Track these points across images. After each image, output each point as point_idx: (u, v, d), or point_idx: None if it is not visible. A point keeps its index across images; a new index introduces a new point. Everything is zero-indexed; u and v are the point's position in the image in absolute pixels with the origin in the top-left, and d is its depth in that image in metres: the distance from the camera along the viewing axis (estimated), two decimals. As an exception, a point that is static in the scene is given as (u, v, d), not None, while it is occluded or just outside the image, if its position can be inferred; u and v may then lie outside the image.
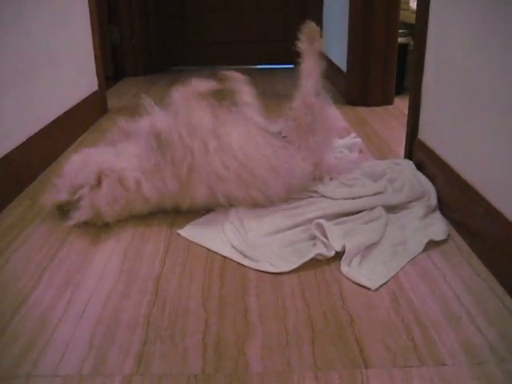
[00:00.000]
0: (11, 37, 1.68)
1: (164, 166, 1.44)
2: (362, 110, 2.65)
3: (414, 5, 3.28)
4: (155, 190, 1.44)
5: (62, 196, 1.46)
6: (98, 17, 2.62)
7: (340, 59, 3.09)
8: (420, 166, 1.69)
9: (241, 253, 1.28)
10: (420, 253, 1.29)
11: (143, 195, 1.45)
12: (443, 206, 1.49)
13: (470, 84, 1.35)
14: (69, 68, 2.23)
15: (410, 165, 1.70)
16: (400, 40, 2.82)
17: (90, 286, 1.17)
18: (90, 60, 2.52)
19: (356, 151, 1.97)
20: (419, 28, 1.69)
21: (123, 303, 1.11)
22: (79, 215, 1.42)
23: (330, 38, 3.55)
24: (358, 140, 2.04)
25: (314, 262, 1.25)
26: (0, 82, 1.60)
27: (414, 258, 1.27)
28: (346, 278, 1.19)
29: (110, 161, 1.48)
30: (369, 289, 1.15)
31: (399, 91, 2.94)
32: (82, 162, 1.50)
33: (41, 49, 1.92)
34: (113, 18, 3.56)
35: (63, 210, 1.48)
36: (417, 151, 1.74)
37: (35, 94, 1.86)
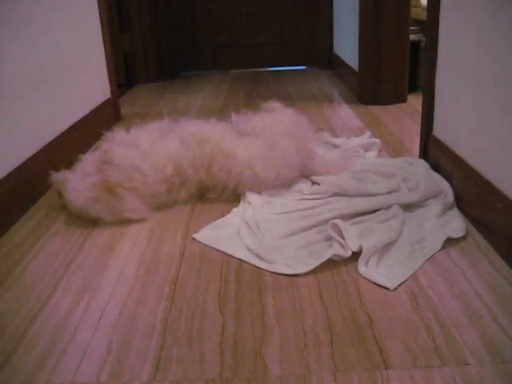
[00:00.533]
0: (23, 46, 1.69)
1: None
2: (375, 109, 2.63)
3: (424, 1, 3.25)
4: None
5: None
6: (109, 25, 2.63)
7: (351, 58, 3.07)
8: (435, 163, 1.67)
9: (257, 255, 1.27)
10: (438, 251, 1.27)
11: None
12: (461, 203, 1.47)
13: (485, 78, 1.34)
14: (82, 76, 2.24)
15: (423, 165, 1.68)
16: (411, 37, 2.79)
17: (106, 292, 1.17)
18: (102, 68, 2.54)
19: (375, 150, 1.95)
20: (431, 24, 1.67)
21: (140, 309, 1.10)
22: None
23: (340, 37, 3.54)
24: (377, 140, 2.02)
25: (331, 263, 1.23)
26: (14, 91, 1.61)
27: (432, 256, 1.26)
28: (364, 278, 1.18)
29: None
30: (387, 288, 1.13)
31: (412, 89, 2.91)
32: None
33: (54, 58, 1.93)
34: (124, 26, 3.57)
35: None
36: (432, 148, 1.72)
37: (49, 102, 1.87)
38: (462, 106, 1.50)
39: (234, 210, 1.54)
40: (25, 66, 1.69)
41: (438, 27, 1.63)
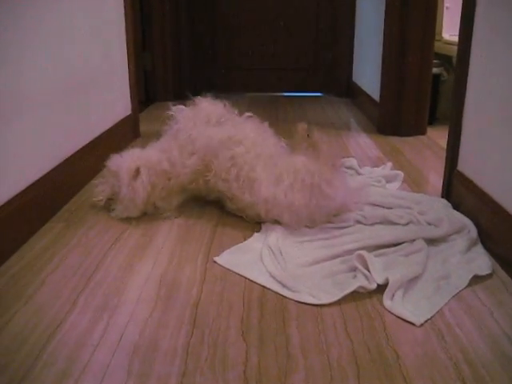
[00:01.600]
0: (51, 60, 1.70)
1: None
2: (395, 140, 2.62)
3: (446, 35, 3.27)
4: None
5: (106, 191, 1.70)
6: (134, 44, 2.65)
7: (372, 88, 3.08)
8: (459, 198, 1.66)
9: (280, 282, 1.25)
10: (464, 288, 1.25)
11: (180, 182, 1.68)
12: (486, 240, 1.45)
13: (517, 116, 1.33)
14: (105, 92, 2.25)
15: (443, 202, 1.67)
16: (432, 70, 2.80)
17: (126, 312, 1.15)
18: (125, 85, 2.55)
19: (398, 182, 1.94)
20: (461, 59, 1.67)
21: (161, 331, 1.08)
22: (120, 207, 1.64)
23: (360, 66, 3.55)
24: (400, 172, 2.00)
25: (355, 295, 1.21)
26: (39, 104, 1.61)
27: (458, 293, 1.23)
28: (389, 312, 1.15)
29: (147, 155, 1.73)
30: (413, 324, 1.11)
31: (431, 121, 2.91)
32: (121, 160, 1.71)
33: (80, 73, 1.94)
34: (146, 45, 3.60)
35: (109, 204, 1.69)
36: (456, 183, 1.70)
37: (72, 116, 1.87)
38: (490, 142, 1.49)
39: (256, 234, 1.52)
40: (51, 79, 1.69)
41: (469, 63, 1.62)
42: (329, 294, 1.20)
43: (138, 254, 1.42)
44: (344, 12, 3.76)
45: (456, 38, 3.02)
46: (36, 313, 1.15)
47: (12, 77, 1.44)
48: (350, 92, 3.77)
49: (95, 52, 2.12)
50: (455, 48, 3.02)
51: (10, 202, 1.42)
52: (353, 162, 2.10)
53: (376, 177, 1.92)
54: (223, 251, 1.43)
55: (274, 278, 1.27)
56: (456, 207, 1.66)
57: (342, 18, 3.79)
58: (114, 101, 2.39)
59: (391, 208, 1.65)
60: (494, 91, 1.47)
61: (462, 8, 1.67)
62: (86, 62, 2.00)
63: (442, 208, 1.61)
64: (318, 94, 4.00)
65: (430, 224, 1.51)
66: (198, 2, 3.82)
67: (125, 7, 2.49)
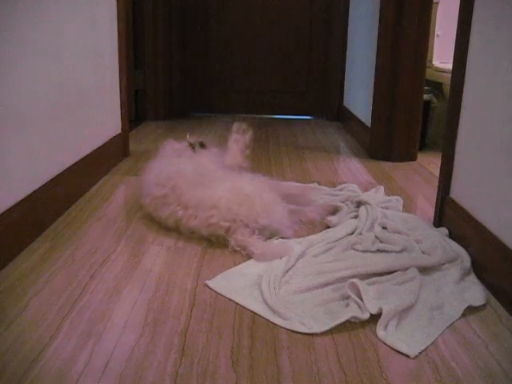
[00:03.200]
0: (42, 78, 1.68)
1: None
2: (386, 165, 2.62)
3: (436, 63, 3.31)
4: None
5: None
6: (127, 64, 2.64)
7: (363, 113, 3.08)
8: (451, 225, 1.65)
9: (271, 309, 1.22)
10: (458, 319, 1.23)
11: None
12: (479, 270, 1.44)
13: (508, 142, 1.32)
14: (96, 110, 2.22)
15: (440, 230, 1.66)
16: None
17: (112, 338, 1.11)
18: (116, 104, 2.53)
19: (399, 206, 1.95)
20: (454, 87, 1.67)
21: (148, 359, 1.04)
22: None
23: (352, 91, 3.56)
24: (400, 199, 2.00)
25: (348, 324, 1.18)
26: (29, 121, 1.58)
27: (452, 323, 1.21)
28: (383, 342, 1.13)
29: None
30: (407, 356, 1.08)
31: (421, 147, 2.92)
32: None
33: (72, 91, 1.92)
34: (138, 64, 3.60)
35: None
36: (448, 210, 1.69)
37: (62, 134, 1.84)
38: (482, 170, 1.49)
39: (250, 260, 1.49)
40: (41, 97, 1.67)
41: (462, 91, 1.63)
42: (320, 323, 1.17)
43: (125, 278, 1.38)
44: (336, 37, 3.79)
45: (446, 66, 3.08)
46: (18, 337, 1.11)
47: (1, 94, 1.41)
48: (341, 116, 3.79)
49: (87, 70, 2.10)
50: (445, 75, 3.07)
51: (-6, 221, 1.38)
52: (353, 187, 2.09)
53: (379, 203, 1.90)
54: (213, 276, 1.39)
55: (265, 304, 1.25)
56: (448, 235, 1.64)
57: (335, 43, 3.81)
58: (105, 119, 2.37)
59: (389, 231, 1.65)
60: (487, 119, 1.47)
61: (456, 37, 1.67)
62: (77, 80, 1.98)
63: (438, 236, 1.60)
64: (309, 118, 4.01)
65: (423, 252, 1.49)
66: (191, 23, 3.84)
67: (118, 26, 2.48)
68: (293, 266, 1.44)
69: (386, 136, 2.69)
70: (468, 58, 1.61)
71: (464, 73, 1.62)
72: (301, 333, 1.15)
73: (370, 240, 1.57)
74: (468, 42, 1.60)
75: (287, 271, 1.41)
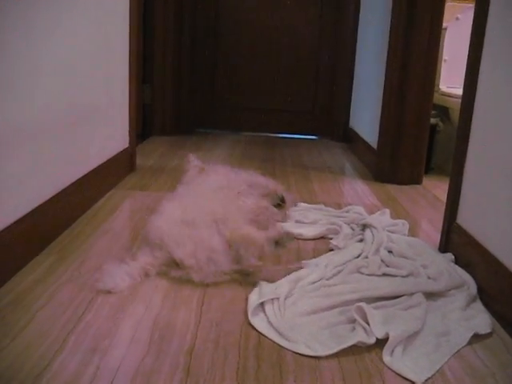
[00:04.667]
0: (53, 93, 1.69)
1: None
2: (391, 188, 2.62)
3: (443, 87, 3.33)
4: None
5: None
6: (136, 78, 2.66)
7: (369, 135, 3.10)
8: (458, 252, 1.65)
9: (277, 331, 1.22)
10: (464, 346, 1.22)
11: None
12: (485, 297, 1.43)
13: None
14: (104, 125, 2.24)
15: (446, 256, 1.66)
16: (429, 121, 2.83)
17: (118, 355, 1.11)
18: (124, 118, 2.54)
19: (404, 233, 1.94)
20: (464, 113, 1.68)
21: (153, 378, 1.04)
22: None
23: (358, 113, 3.58)
24: (406, 224, 2.00)
25: (354, 348, 1.18)
26: (38, 134, 1.59)
27: (458, 351, 1.20)
28: (389, 368, 1.12)
29: None
30: (413, 382, 1.08)
31: (426, 171, 2.93)
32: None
33: (81, 105, 1.93)
34: (146, 78, 3.62)
35: None
36: (455, 236, 1.69)
37: (70, 148, 1.85)
38: (490, 197, 1.49)
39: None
40: (50, 111, 1.67)
41: (472, 116, 1.63)
42: (325, 347, 1.17)
43: (131, 293, 1.38)
44: (344, 58, 3.82)
45: (453, 90, 3.09)
46: (23, 351, 1.10)
47: (10, 108, 1.42)
48: (347, 137, 3.80)
49: (97, 85, 2.11)
50: (452, 99, 3.09)
51: (0, 234, 1.38)
52: (359, 209, 2.09)
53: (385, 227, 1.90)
54: (219, 293, 1.39)
55: (271, 325, 1.24)
56: (454, 261, 1.64)
57: (342, 64, 3.85)
58: (112, 134, 2.38)
59: (395, 255, 1.65)
60: (496, 146, 1.48)
61: (468, 62, 1.68)
62: (86, 94, 2.00)
63: (444, 262, 1.59)
64: (315, 138, 4.02)
65: (429, 278, 1.49)
66: (201, 39, 3.87)
67: (130, 42, 2.50)
68: (294, 288, 1.44)
69: (392, 159, 2.70)
70: (478, 83, 1.62)
71: (474, 98, 1.63)
72: (306, 356, 1.14)
73: (376, 264, 1.57)
74: (479, 66, 1.61)
75: (292, 294, 1.40)
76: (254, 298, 1.37)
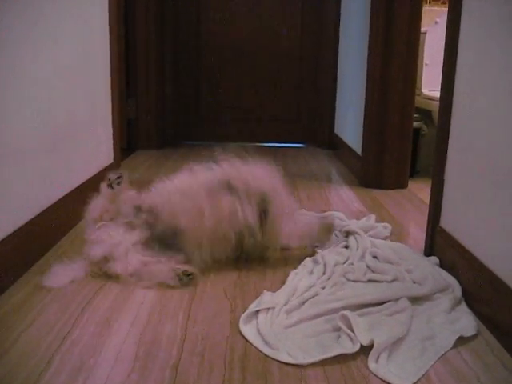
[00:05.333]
0: (35, 109, 1.69)
1: None
2: (377, 193, 2.64)
3: (425, 91, 3.36)
4: None
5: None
6: (119, 93, 2.67)
7: (353, 141, 3.12)
8: (442, 255, 1.66)
9: (262, 339, 1.23)
10: (449, 349, 1.23)
11: None
12: (470, 299, 1.44)
13: (497, 171, 1.34)
14: (88, 141, 2.24)
15: (431, 260, 1.67)
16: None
17: (103, 373, 1.10)
18: (108, 133, 2.54)
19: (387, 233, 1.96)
20: (443, 115, 1.70)
21: (139, 395, 1.04)
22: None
23: (342, 119, 3.61)
24: (388, 226, 2.01)
25: (339, 356, 1.18)
26: (19, 152, 1.59)
27: (443, 354, 1.21)
28: (374, 375, 1.13)
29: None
30: (399, 388, 1.08)
31: (411, 174, 2.95)
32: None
33: (64, 122, 1.93)
34: (130, 92, 3.63)
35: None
36: (439, 239, 1.70)
37: (55, 165, 1.85)
38: (472, 199, 1.50)
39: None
40: (32, 128, 1.67)
41: (450, 118, 1.65)
42: (308, 355, 1.17)
43: (116, 310, 1.38)
44: (327, 65, 3.85)
45: (435, 93, 3.12)
46: (8, 373, 1.10)
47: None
48: (332, 144, 3.82)
49: (78, 100, 2.11)
50: (434, 103, 3.12)
51: (-15, 255, 1.38)
52: (339, 215, 2.11)
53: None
54: (204, 307, 1.39)
55: (259, 333, 1.25)
56: (438, 264, 1.65)
57: (325, 71, 3.87)
58: (97, 150, 2.38)
59: (380, 260, 1.66)
60: (474, 148, 1.49)
61: (444, 65, 1.71)
62: (68, 110, 1.99)
63: (428, 266, 1.60)
64: (301, 145, 4.04)
65: (414, 282, 1.50)
66: (184, 52, 3.89)
67: (111, 56, 2.51)
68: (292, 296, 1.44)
69: (377, 164, 2.72)
70: (455, 85, 1.64)
71: (451, 100, 1.65)
72: (291, 364, 1.15)
73: (362, 270, 1.57)
74: (455, 69, 1.63)
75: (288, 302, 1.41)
76: (253, 306, 1.39)
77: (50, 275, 1.53)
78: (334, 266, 1.62)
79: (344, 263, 1.66)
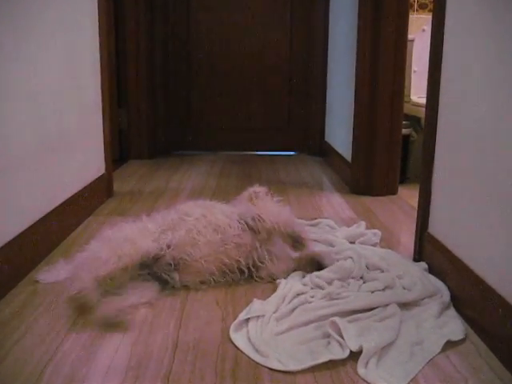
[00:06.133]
0: (25, 120, 1.70)
1: None
2: (367, 200, 2.66)
3: (414, 98, 3.39)
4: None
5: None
6: (110, 103, 2.68)
7: (343, 148, 3.14)
8: (430, 261, 1.68)
9: (253, 346, 1.24)
10: (438, 354, 1.25)
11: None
12: (457, 304, 1.46)
13: (484, 178, 1.36)
14: (79, 152, 2.25)
15: (420, 265, 1.69)
16: (402, 131, 2.87)
17: (95, 384, 1.12)
18: (100, 145, 2.56)
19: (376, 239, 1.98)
20: (429, 120, 1.72)
21: (130, 404, 1.05)
22: None
23: (332, 127, 3.63)
24: (378, 233, 2.03)
25: (329, 362, 1.19)
26: (12, 163, 1.60)
27: (432, 358, 1.23)
28: (364, 380, 1.14)
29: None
30: (388, 393, 1.09)
31: (401, 180, 2.97)
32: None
33: (52, 132, 1.94)
34: (121, 103, 3.64)
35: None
36: (427, 246, 1.72)
37: (46, 176, 1.86)
38: (459, 205, 1.52)
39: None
40: (23, 139, 1.68)
41: (437, 124, 1.67)
42: (297, 362, 1.19)
43: (108, 322, 1.38)
44: (316, 74, 3.88)
45: (424, 100, 3.15)
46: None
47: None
48: (323, 151, 3.84)
49: (68, 112, 2.12)
50: (423, 109, 3.14)
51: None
52: (330, 222, 2.13)
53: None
54: (195, 316, 1.41)
55: (249, 340, 1.27)
56: (427, 269, 1.67)
57: (314, 80, 3.90)
58: (88, 161, 2.39)
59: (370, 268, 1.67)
60: (460, 154, 1.51)
61: (429, 71, 1.73)
62: (60, 122, 2.01)
63: (417, 271, 1.62)
64: (292, 153, 4.06)
65: (404, 288, 1.52)
66: (173, 62, 3.91)
67: (101, 69, 2.53)
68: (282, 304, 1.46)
69: (366, 171, 2.74)
70: (440, 91, 1.66)
71: (437, 106, 1.67)
72: (282, 372, 1.16)
73: (357, 285, 1.57)
74: (440, 75, 1.66)
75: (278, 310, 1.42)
76: (243, 314, 1.40)
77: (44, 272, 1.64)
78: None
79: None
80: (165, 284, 1.58)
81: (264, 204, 1.79)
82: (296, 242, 1.75)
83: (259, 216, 1.70)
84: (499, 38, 1.30)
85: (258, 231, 1.69)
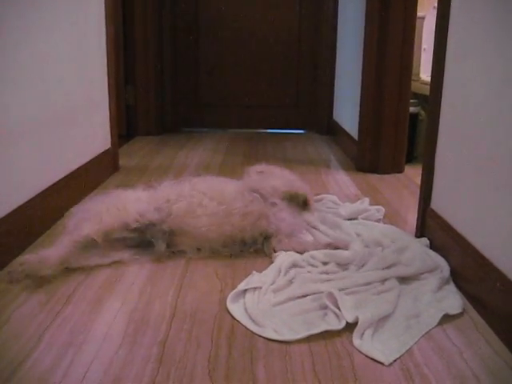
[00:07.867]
0: (32, 93, 1.71)
1: None
2: (373, 178, 2.65)
3: (423, 76, 3.35)
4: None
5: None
6: (116, 78, 2.68)
7: (351, 126, 3.12)
8: (432, 236, 1.67)
9: (250, 317, 1.25)
10: (434, 327, 1.25)
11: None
12: (458, 279, 1.46)
13: (486, 154, 1.35)
14: (84, 126, 2.25)
15: (421, 241, 1.68)
16: (410, 110, 2.85)
17: (92, 349, 1.13)
18: (106, 119, 2.56)
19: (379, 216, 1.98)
20: (433, 97, 1.70)
21: (126, 369, 1.06)
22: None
23: (340, 105, 3.61)
24: (381, 209, 2.03)
25: (325, 333, 1.20)
26: (16, 135, 1.61)
27: (428, 331, 1.23)
28: (358, 351, 1.14)
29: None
30: (382, 364, 1.10)
31: (409, 160, 2.95)
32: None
33: (59, 106, 1.95)
34: (129, 79, 3.64)
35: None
36: (429, 221, 1.71)
37: (50, 149, 1.87)
38: (461, 181, 1.51)
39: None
40: (29, 111, 1.70)
41: (441, 101, 1.66)
42: (293, 332, 1.19)
43: (108, 290, 1.40)
44: (325, 52, 3.84)
45: (433, 79, 3.12)
46: (-1, 349, 1.13)
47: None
48: (331, 130, 3.82)
49: (75, 85, 2.13)
50: (432, 88, 3.11)
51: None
52: (333, 198, 2.13)
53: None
54: (195, 287, 1.42)
55: (246, 311, 1.28)
56: (428, 245, 1.67)
57: (323, 58, 3.86)
58: (94, 135, 2.40)
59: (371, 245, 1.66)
60: (463, 130, 1.50)
61: (434, 48, 1.71)
62: (66, 95, 2.01)
63: (418, 247, 1.61)
64: (300, 132, 4.04)
65: (403, 264, 1.51)
66: (182, 38, 3.89)
67: (107, 43, 2.52)
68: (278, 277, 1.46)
69: (373, 149, 2.72)
70: (445, 68, 1.64)
71: (442, 84, 1.65)
72: (277, 341, 1.17)
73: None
74: (445, 52, 1.64)
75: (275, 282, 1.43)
76: (241, 285, 1.40)
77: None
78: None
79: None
80: (150, 252, 1.61)
81: (270, 171, 1.83)
82: (302, 203, 1.81)
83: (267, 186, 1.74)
84: (507, 15, 1.28)
85: (267, 198, 1.71)
